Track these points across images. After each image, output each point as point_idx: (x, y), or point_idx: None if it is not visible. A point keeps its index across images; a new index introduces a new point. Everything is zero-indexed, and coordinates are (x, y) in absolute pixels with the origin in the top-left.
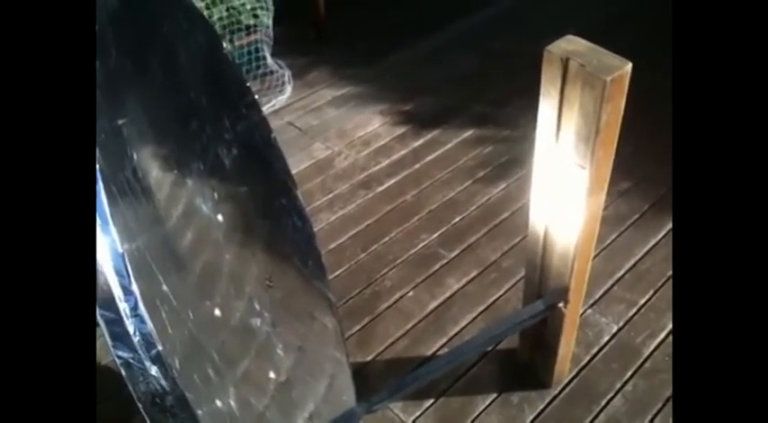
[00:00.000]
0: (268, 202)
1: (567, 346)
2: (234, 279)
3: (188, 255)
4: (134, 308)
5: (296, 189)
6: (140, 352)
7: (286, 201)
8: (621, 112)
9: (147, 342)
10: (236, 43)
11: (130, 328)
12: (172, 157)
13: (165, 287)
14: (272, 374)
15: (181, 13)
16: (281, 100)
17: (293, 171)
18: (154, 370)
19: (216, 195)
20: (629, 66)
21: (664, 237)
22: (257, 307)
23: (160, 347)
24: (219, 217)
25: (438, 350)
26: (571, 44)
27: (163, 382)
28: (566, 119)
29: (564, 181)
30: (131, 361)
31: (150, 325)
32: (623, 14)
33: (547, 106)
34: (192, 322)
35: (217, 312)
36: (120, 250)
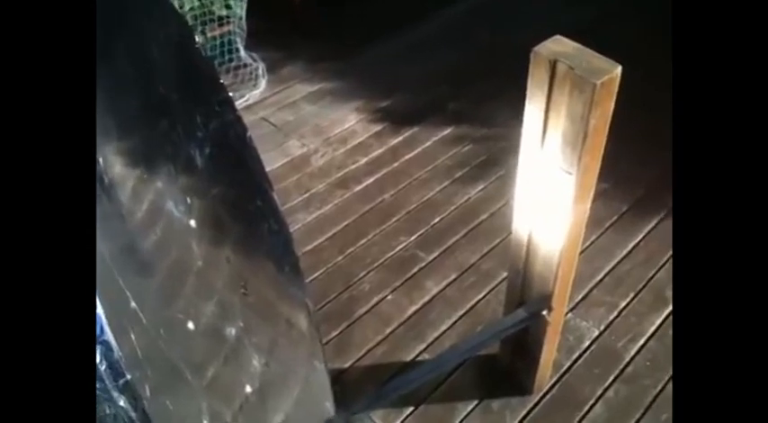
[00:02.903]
0: (243, 205)
1: (550, 352)
2: (206, 287)
3: (156, 263)
4: (99, 333)
5: (272, 191)
6: (107, 381)
7: (262, 203)
8: (610, 117)
9: (116, 371)
10: (209, 34)
11: (96, 357)
12: (140, 159)
13: (133, 304)
14: (247, 387)
15: (151, 3)
16: (255, 95)
17: (268, 169)
18: (122, 401)
19: (188, 199)
20: (619, 69)
21: (642, 239)
22: (231, 315)
23: (129, 376)
24: (192, 222)
25: (417, 356)
26: (559, 45)
27: (132, 414)
28: (552, 123)
29: (549, 186)
30: (97, 392)
31: (118, 352)
32: (608, 7)
33: (533, 109)
34: (163, 340)
35: (190, 325)
36: None
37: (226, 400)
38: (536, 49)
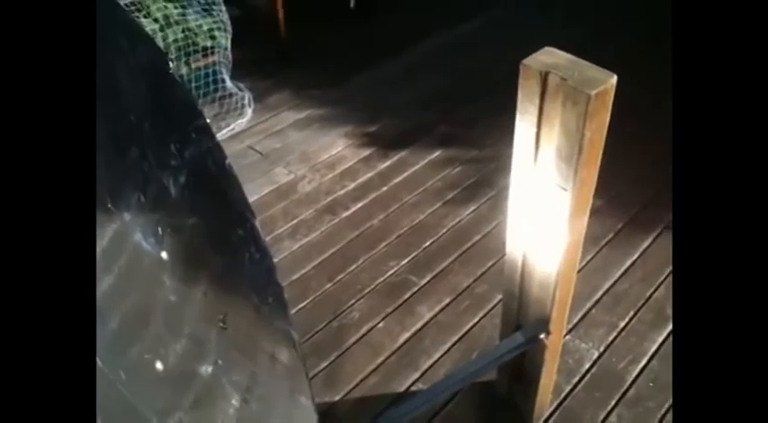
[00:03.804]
0: (223, 235)
1: (549, 377)
2: (178, 323)
3: (114, 305)
4: None
5: (254, 219)
6: None
7: (243, 232)
8: (605, 130)
9: None
10: (193, 65)
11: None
12: (104, 191)
13: None
14: None
15: (118, 31)
16: (241, 123)
17: (253, 197)
18: None
19: (160, 230)
20: (614, 79)
21: (640, 256)
22: (207, 352)
23: None
24: (164, 254)
25: (411, 385)
26: (550, 57)
27: None
28: (545, 137)
29: (544, 204)
30: None
31: None
32: (600, 27)
33: (524, 125)
34: (123, 384)
35: (158, 366)
36: None
37: None
38: (525, 61)
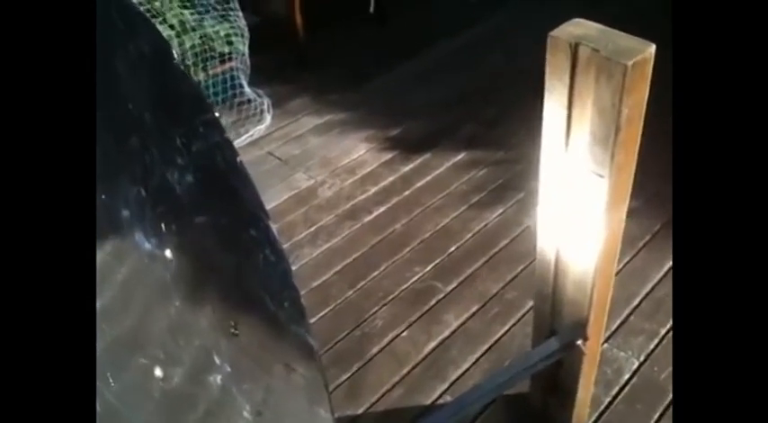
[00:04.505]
0: (234, 235)
1: (587, 388)
2: (183, 328)
3: (119, 303)
4: None
5: (268, 219)
6: None
7: (256, 233)
8: (644, 107)
9: None
10: (210, 71)
11: None
12: (98, 182)
13: None
14: None
15: (114, 12)
16: (261, 130)
17: (273, 204)
18: None
19: (164, 227)
20: (653, 48)
21: None
22: (216, 360)
23: None
24: (168, 253)
25: (438, 398)
26: (579, 28)
27: None
28: (577, 118)
29: (578, 193)
30: None
31: None
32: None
33: (553, 104)
34: (112, 392)
35: (157, 373)
36: None
37: None
38: (553, 33)
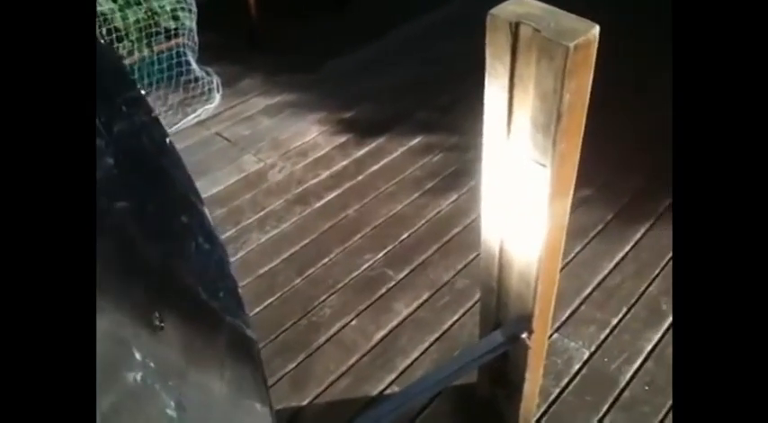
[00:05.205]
0: (161, 222)
1: (534, 380)
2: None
3: None
4: None
5: (202, 205)
6: None
7: (187, 219)
8: (588, 93)
9: None
10: (156, 47)
11: None
12: None
13: None
14: None
15: None
16: (209, 109)
17: (220, 187)
18: None
19: None
20: (597, 29)
21: (632, 249)
22: (137, 356)
23: None
24: None
25: (386, 388)
26: (522, 6)
27: None
28: (518, 103)
29: (520, 184)
30: None
31: None
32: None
33: (494, 89)
34: None
35: None
36: None
37: None
38: (493, 11)
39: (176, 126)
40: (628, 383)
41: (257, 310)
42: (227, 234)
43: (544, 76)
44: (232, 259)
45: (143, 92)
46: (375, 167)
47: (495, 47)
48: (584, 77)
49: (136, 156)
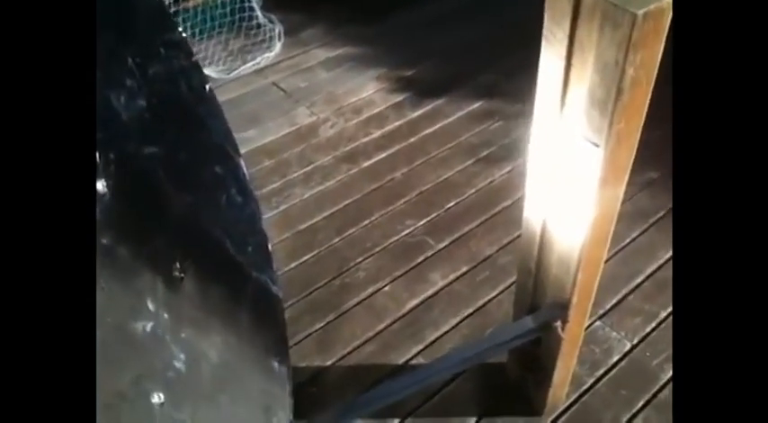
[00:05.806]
0: (194, 171)
1: (566, 369)
2: (115, 268)
3: None
4: None
5: (238, 156)
6: None
7: (221, 170)
8: (656, 66)
9: None
10: None
11: None
12: None
13: None
14: (156, 396)
15: None
16: (268, 58)
17: (270, 138)
18: None
19: (98, 156)
20: None
21: None
22: (150, 306)
23: None
24: (100, 185)
25: (411, 359)
26: None
27: None
28: (575, 74)
29: (569, 163)
30: None
31: None
32: None
33: (550, 57)
34: None
35: None
36: None
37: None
38: None
39: (235, 72)
40: (668, 382)
41: (293, 265)
42: (273, 186)
43: (606, 46)
44: (273, 212)
45: (184, 35)
46: (429, 130)
47: (555, 10)
48: (652, 50)
49: (171, 100)
